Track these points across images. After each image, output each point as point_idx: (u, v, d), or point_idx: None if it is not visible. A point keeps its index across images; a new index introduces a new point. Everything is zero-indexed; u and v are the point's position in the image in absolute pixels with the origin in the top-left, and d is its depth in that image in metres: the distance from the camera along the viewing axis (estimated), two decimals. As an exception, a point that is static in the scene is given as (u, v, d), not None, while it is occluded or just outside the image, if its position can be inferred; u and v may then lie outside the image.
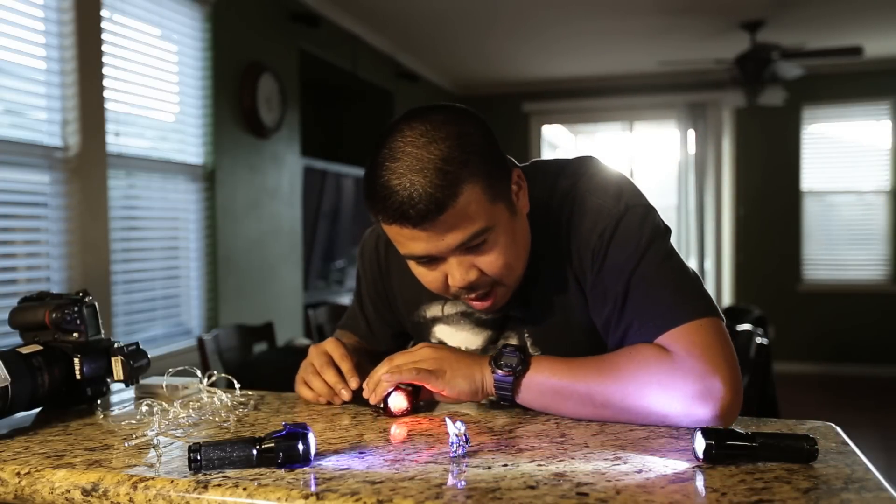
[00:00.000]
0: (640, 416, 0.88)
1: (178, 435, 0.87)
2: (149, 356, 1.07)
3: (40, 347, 0.97)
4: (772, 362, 1.92)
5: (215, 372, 1.08)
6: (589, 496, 0.65)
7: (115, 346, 1.03)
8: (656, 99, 6.21)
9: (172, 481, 0.71)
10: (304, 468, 0.73)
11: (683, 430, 0.86)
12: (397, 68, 5.21)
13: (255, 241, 3.55)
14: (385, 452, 0.79)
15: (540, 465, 0.74)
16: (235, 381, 1.07)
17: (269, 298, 3.68)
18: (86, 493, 0.72)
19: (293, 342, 3.02)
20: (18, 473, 0.76)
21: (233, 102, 3.36)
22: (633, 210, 0.97)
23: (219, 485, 0.69)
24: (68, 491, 0.73)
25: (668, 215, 3.86)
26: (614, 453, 0.78)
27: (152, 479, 0.71)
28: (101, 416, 0.99)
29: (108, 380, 1.04)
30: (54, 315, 0.99)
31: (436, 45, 5.14)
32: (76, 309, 1.00)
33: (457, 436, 0.77)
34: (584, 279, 0.99)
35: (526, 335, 1.06)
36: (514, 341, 1.07)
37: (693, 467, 0.73)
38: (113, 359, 1.02)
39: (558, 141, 7.14)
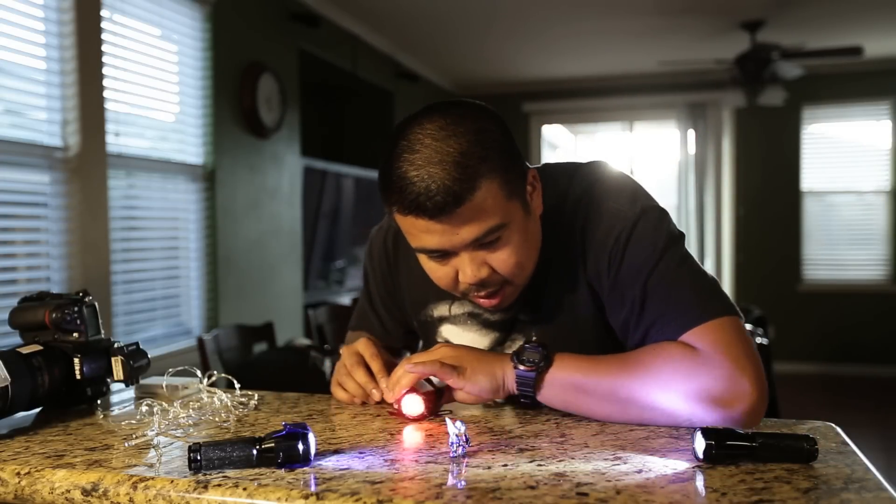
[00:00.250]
0: (665, 413, 0.87)
1: (178, 435, 0.87)
2: (149, 356, 1.07)
3: (40, 347, 0.97)
4: (772, 362, 1.92)
5: (215, 372, 1.08)
6: (589, 496, 0.65)
7: (115, 346, 1.03)
8: (656, 99, 6.21)
9: (172, 481, 0.71)
10: (304, 468, 0.73)
11: (684, 430, 0.86)
12: (397, 68, 5.21)
13: (255, 241, 3.55)
14: (385, 452, 0.79)
15: (540, 465, 0.74)
16: (235, 381, 1.07)
17: (269, 298, 3.68)
18: (86, 493, 0.72)
19: (293, 342, 3.02)
20: (18, 473, 0.76)
21: (233, 102, 3.36)
22: (649, 213, 0.97)
23: (219, 485, 0.69)
24: (68, 491, 0.73)
25: (668, 215, 3.82)
26: (614, 453, 0.78)
27: (152, 479, 0.71)
28: (101, 416, 0.99)
29: (108, 380, 1.04)
30: (54, 315, 0.99)
31: (436, 45, 5.14)
32: (76, 309, 1.00)
33: (457, 436, 0.77)
34: (600, 283, 0.99)
35: (533, 338, 1.06)
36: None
37: (693, 467, 0.73)
38: (113, 359, 1.02)
39: (558, 141, 7.14)
